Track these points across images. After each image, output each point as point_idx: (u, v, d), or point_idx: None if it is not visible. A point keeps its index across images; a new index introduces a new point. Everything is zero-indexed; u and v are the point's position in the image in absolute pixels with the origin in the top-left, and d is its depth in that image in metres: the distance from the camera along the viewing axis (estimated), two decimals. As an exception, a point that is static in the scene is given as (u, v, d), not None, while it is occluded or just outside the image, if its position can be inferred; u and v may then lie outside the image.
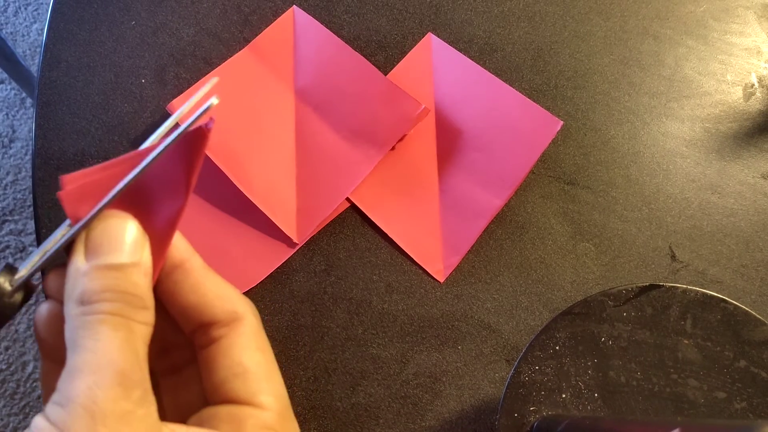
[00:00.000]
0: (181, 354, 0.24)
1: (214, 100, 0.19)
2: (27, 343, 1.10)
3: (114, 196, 0.20)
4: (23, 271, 0.21)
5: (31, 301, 1.12)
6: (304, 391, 0.41)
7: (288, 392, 0.23)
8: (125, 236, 0.20)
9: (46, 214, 0.45)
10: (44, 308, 0.22)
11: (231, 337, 0.22)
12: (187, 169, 0.20)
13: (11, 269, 0.21)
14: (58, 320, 0.21)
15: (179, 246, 0.22)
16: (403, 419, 0.41)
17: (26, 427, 1.07)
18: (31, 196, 1.18)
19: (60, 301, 0.21)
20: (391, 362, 0.42)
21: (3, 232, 1.16)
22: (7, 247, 1.15)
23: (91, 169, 0.21)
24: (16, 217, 1.17)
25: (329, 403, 0.41)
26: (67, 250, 0.21)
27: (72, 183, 0.20)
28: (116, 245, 0.20)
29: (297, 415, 0.41)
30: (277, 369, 0.23)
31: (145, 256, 0.20)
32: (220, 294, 0.22)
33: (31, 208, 1.14)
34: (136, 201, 0.21)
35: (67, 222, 0.21)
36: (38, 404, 1.08)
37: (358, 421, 0.41)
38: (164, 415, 0.23)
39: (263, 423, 0.21)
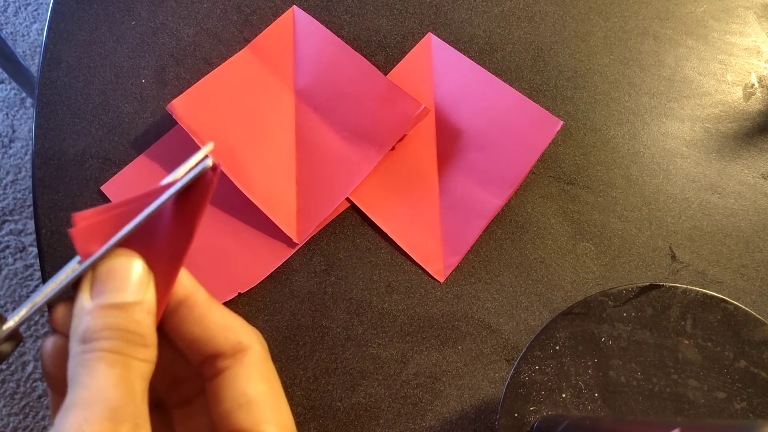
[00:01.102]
0: (191, 385, 0.24)
1: (208, 162, 0.20)
2: (27, 343, 1.10)
3: (118, 241, 0.21)
4: (11, 322, 0.21)
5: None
6: (304, 391, 0.41)
7: (288, 392, 0.23)
8: (130, 275, 0.21)
9: (46, 214, 0.45)
10: (50, 342, 0.22)
11: (236, 368, 0.22)
12: (194, 209, 0.21)
13: (0, 319, 0.21)
14: (63, 354, 0.21)
15: (184, 282, 0.22)
16: (404, 419, 0.41)
17: (26, 427, 1.06)
18: (31, 196, 1.18)
19: (65, 335, 0.21)
20: (391, 362, 0.42)
21: (3, 232, 1.16)
22: (7, 247, 1.15)
23: (102, 207, 0.21)
24: (16, 217, 1.17)
25: (329, 403, 0.41)
26: (75, 286, 0.21)
27: (83, 221, 0.21)
28: (121, 284, 0.20)
29: (297, 415, 0.41)
30: (283, 398, 0.23)
31: (149, 294, 0.21)
32: (224, 325, 0.22)
33: (31, 208, 1.14)
34: (142, 238, 0.21)
35: (74, 261, 0.21)
36: (38, 404, 1.08)
37: (358, 421, 0.41)
38: None
39: None
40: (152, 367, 0.20)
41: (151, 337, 0.21)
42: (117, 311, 0.20)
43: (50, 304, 0.22)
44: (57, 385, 0.22)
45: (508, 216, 0.45)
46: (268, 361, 0.23)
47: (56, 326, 0.22)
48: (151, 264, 0.21)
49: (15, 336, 0.22)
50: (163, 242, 0.21)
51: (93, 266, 0.21)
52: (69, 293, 0.22)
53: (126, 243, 0.21)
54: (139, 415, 0.19)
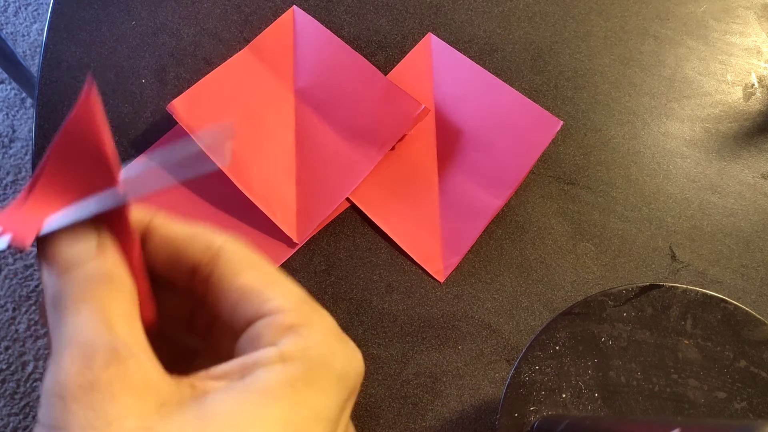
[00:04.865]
0: (204, 314, 0.23)
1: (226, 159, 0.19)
2: (27, 343, 1.10)
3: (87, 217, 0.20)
4: None
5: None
6: (304, 391, 0.41)
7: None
8: (75, 235, 0.20)
9: None
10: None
11: (217, 270, 0.21)
12: (96, 141, 0.20)
13: None
14: None
15: (137, 216, 0.21)
16: (404, 419, 0.41)
17: (26, 427, 1.05)
18: (31, 196, 1.18)
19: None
20: (391, 362, 0.42)
21: None
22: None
23: (22, 194, 0.20)
24: (16, 217, 1.17)
25: (329, 403, 0.41)
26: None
27: (5, 219, 0.20)
28: (69, 246, 0.19)
29: (297, 415, 0.41)
30: (279, 275, 0.21)
31: (100, 237, 0.20)
32: (188, 236, 0.21)
33: (31, 208, 1.14)
34: (67, 189, 0.20)
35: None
36: (38, 404, 1.08)
37: (358, 421, 0.41)
38: None
39: (280, 325, 0.19)
40: (128, 292, 0.19)
41: (117, 269, 0.19)
42: (75, 267, 0.19)
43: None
44: None
45: (508, 216, 0.45)
46: (250, 252, 0.21)
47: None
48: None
49: None
50: (91, 181, 0.20)
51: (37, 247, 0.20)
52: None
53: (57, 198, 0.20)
54: (116, 340, 0.18)
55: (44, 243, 0.20)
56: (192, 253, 0.21)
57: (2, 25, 1.28)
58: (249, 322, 0.20)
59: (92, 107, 0.19)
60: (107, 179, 0.20)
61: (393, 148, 0.46)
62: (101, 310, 0.18)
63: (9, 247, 0.20)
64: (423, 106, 0.45)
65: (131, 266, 0.21)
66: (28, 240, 0.20)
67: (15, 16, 1.28)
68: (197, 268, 0.21)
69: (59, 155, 0.20)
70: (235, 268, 0.21)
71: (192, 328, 0.23)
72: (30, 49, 1.27)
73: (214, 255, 0.21)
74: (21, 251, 0.20)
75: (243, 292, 0.20)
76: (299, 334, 0.19)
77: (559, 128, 0.45)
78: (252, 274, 0.21)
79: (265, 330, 0.19)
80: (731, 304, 0.31)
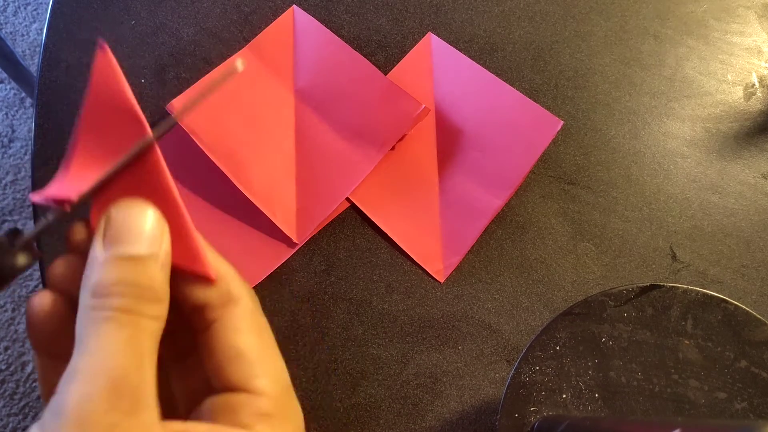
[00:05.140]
0: (186, 339, 0.23)
1: (239, 66, 0.20)
2: (27, 343, 1.10)
3: (111, 174, 0.20)
4: (27, 236, 0.21)
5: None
6: (304, 392, 0.41)
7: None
8: (145, 225, 0.20)
9: (46, 214, 0.45)
10: (46, 299, 0.21)
11: (225, 319, 0.21)
12: (119, 96, 0.20)
13: (16, 232, 0.21)
14: (59, 313, 0.20)
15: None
16: (404, 419, 0.41)
17: (26, 427, 1.05)
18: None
19: (62, 293, 0.21)
20: (391, 362, 0.42)
21: (2, 232, 1.16)
22: (7, 247, 1.15)
23: (60, 173, 0.21)
24: (16, 217, 1.17)
25: (329, 404, 0.41)
26: (69, 239, 0.21)
27: (46, 191, 0.20)
28: (135, 235, 0.20)
29: (297, 415, 0.41)
30: (275, 351, 0.22)
31: (164, 246, 0.20)
32: (215, 272, 0.22)
33: (31, 208, 1.14)
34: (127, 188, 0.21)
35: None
36: (38, 404, 1.08)
37: (358, 421, 0.41)
38: (174, 402, 0.23)
39: (258, 410, 0.20)
40: (162, 323, 0.20)
41: (164, 292, 0.20)
42: (130, 264, 0.19)
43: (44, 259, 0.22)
44: (45, 347, 0.21)
45: (508, 216, 0.45)
46: (259, 314, 0.22)
47: (54, 282, 0.21)
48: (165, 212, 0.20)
49: (32, 250, 0.21)
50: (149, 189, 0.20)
51: (106, 215, 0.20)
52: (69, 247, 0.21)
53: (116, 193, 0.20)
54: (142, 384, 0.18)
55: (112, 217, 0.20)
56: (210, 292, 0.21)
57: (2, 24, 1.28)
58: (230, 386, 0.21)
59: (109, 66, 0.20)
60: (137, 131, 0.20)
61: (393, 148, 0.46)
62: (138, 339, 0.18)
63: (60, 212, 0.20)
64: (423, 106, 0.45)
65: (168, 203, 0.20)
66: (74, 197, 0.20)
67: (14, 15, 1.28)
68: (207, 307, 0.21)
69: (89, 121, 0.21)
70: (241, 325, 0.21)
71: (168, 342, 0.23)
72: (29, 49, 1.27)
73: (229, 302, 0.21)
74: (69, 212, 0.21)
75: (237, 354, 0.21)
76: (274, 427, 0.20)
77: (559, 128, 0.45)
78: (253, 340, 0.21)
79: (244, 409, 0.20)
80: (732, 304, 0.31)
